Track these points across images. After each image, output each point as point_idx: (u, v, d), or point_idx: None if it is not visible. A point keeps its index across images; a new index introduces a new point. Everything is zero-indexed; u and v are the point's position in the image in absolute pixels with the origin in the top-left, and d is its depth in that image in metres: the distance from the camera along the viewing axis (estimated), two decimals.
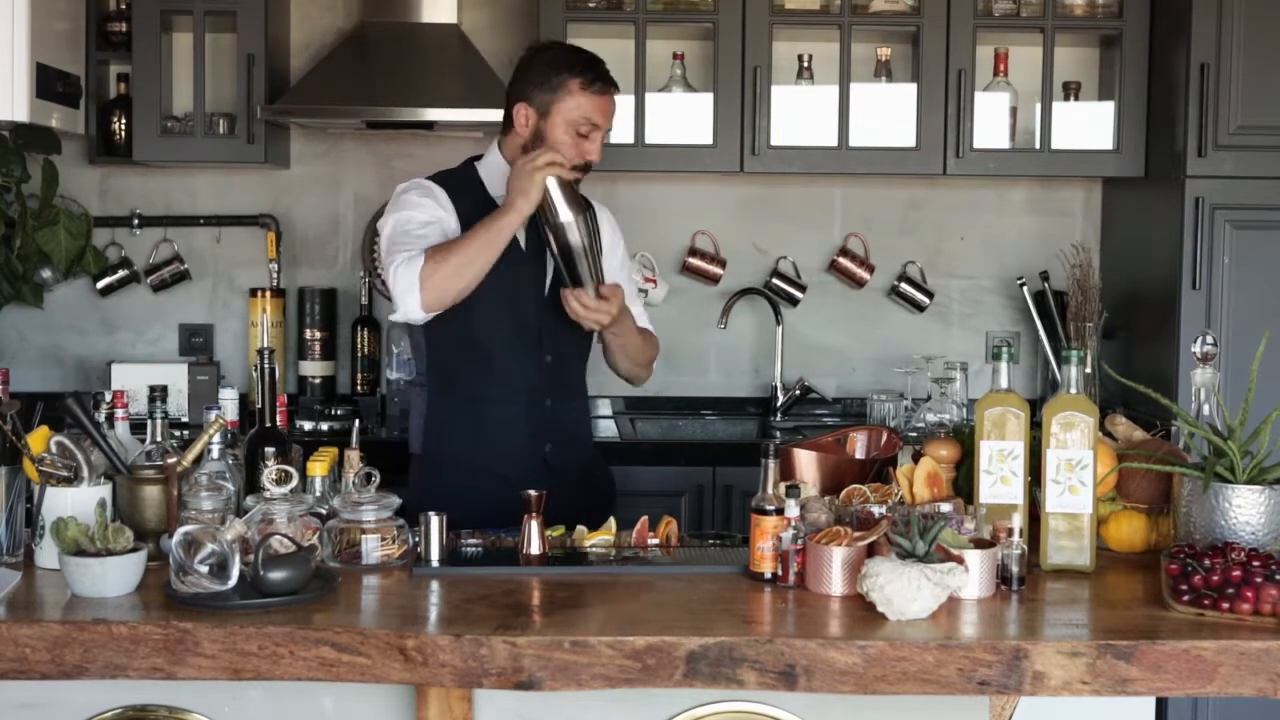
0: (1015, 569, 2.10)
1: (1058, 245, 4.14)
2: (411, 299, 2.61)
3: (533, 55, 2.86)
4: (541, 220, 2.67)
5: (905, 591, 1.94)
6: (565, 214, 2.64)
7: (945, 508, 2.21)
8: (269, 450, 2.36)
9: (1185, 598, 2.01)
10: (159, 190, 4.20)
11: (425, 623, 1.97)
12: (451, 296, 2.63)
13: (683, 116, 3.88)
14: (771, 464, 2.18)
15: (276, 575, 2.01)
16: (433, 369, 2.84)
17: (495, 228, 2.62)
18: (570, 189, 2.66)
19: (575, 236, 2.65)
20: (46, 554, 2.16)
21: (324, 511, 2.30)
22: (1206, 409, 2.36)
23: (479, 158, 2.89)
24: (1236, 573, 2.00)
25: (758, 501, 2.16)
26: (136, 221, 4.17)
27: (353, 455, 2.40)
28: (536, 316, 2.80)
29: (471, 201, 2.78)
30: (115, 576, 2.03)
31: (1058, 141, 3.88)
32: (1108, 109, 3.89)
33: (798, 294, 4.20)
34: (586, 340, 2.91)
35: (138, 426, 2.41)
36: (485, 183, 2.83)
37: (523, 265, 2.77)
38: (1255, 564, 2.02)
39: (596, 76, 2.77)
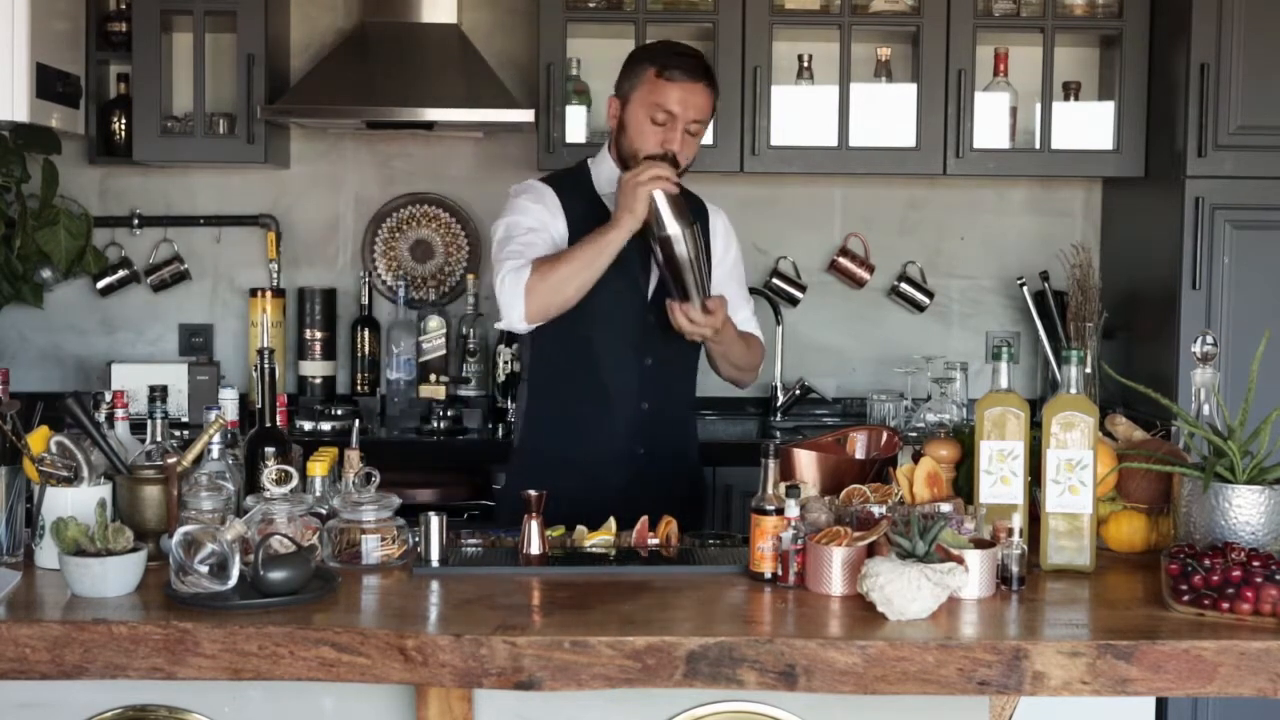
0: (1015, 569, 2.10)
1: (1058, 245, 4.14)
2: (516, 310, 2.66)
3: (632, 52, 2.92)
4: (648, 233, 2.67)
5: (905, 591, 1.94)
6: (672, 227, 2.65)
7: (945, 508, 2.21)
8: (269, 450, 2.36)
9: (1185, 598, 2.01)
10: (159, 190, 4.20)
11: (425, 623, 1.97)
12: (555, 309, 2.68)
13: None
14: (771, 464, 2.18)
15: (276, 575, 2.01)
16: (534, 365, 2.88)
17: (600, 243, 2.65)
18: (677, 201, 2.66)
19: (681, 249, 2.66)
20: (46, 554, 2.15)
21: (324, 511, 2.30)
22: (1206, 409, 2.36)
23: (593, 156, 2.92)
24: (1236, 573, 2.00)
25: (758, 501, 2.16)
26: (136, 221, 4.17)
27: (353, 455, 2.40)
28: (638, 319, 2.80)
29: (581, 201, 2.81)
30: (115, 576, 2.03)
31: (1058, 141, 3.88)
32: (1108, 109, 3.89)
33: (798, 294, 4.20)
34: (691, 346, 2.88)
35: (138, 426, 2.41)
36: (595, 182, 2.85)
37: (627, 268, 2.76)
38: (1255, 564, 2.02)
39: (671, 64, 2.76)
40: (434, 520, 2.25)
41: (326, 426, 3.89)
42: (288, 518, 2.19)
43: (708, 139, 3.84)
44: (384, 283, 4.22)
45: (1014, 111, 3.94)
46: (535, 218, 2.78)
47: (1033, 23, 3.87)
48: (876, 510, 2.24)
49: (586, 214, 2.78)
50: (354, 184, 4.24)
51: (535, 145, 3.89)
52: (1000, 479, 2.24)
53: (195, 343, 4.22)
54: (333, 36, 4.15)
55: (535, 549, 2.26)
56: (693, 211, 2.72)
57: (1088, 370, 3.71)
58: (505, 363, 4.03)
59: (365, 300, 4.18)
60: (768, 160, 3.85)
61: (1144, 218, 3.92)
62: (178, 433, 3.07)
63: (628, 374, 2.85)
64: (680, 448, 3.01)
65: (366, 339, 4.16)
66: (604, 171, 2.86)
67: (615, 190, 2.72)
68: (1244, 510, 2.14)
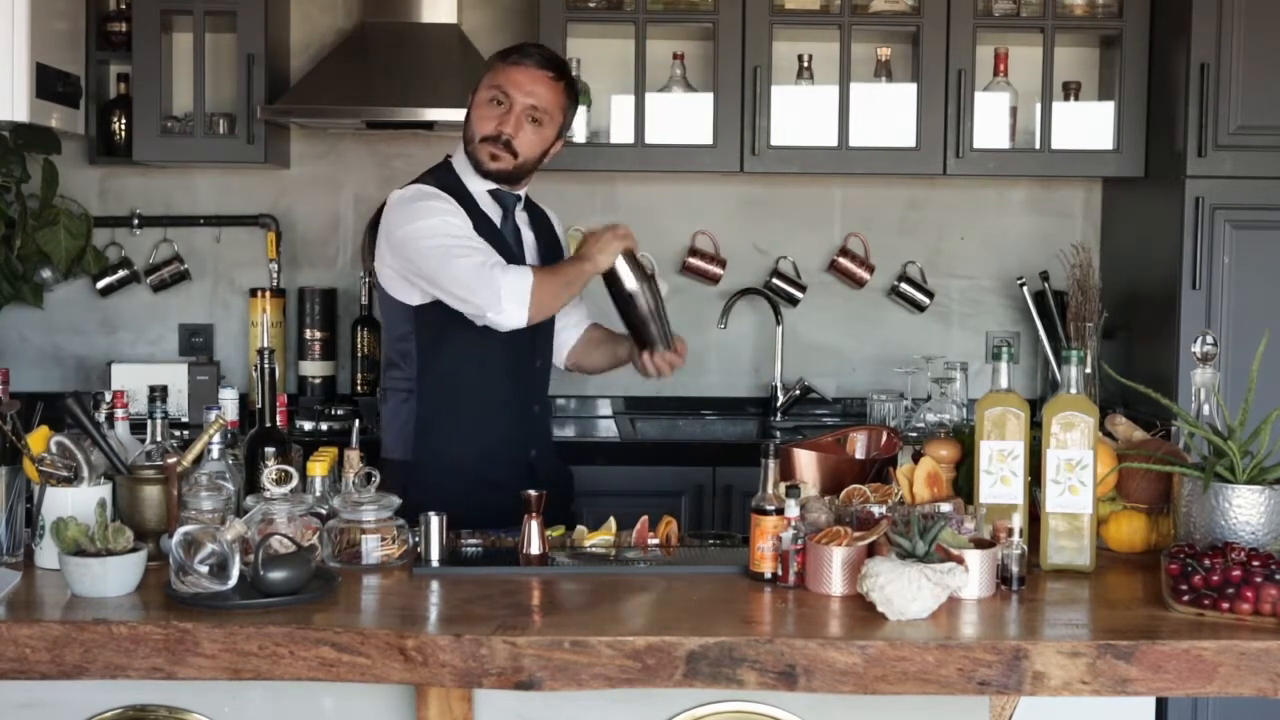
0: (1015, 569, 2.10)
1: (1058, 245, 4.14)
2: (520, 308, 2.68)
3: None
4: (609, 289, 2.85)
5: (905, 591, 1.94)
6: (632, 284, 2.83)
7: (945, 508, 2.21)
8: (269, 450, 2.36)
9: (1185, 598, 2.01)
10: (159, 190, 4.20)
11: (425, 623, 1.97)
12: (544, 317, 2.77)
13: (683, 116, 3.88)
14: (771, 464, 2.18)
15: (276, 575, 2.01)
16: (426, 376, 2.84)
17: (578, 269, 2.78)
18: (633, 259, 2.83)
19: (643, 304, 2.85)
20: (46, 554, 2.16)
21: (324, 511, 2.30)
22: (1206, 409, 2.36)
23: (452, 155, 2.93)
24: (1236, 573, 2.00)
25: (758, 501, 2.16)
26: (136, 221, 4.17)
27: (353, 455, 2.40)
28: (530, 324, 2.81)
29: (464, 206, 2.80)
30: (115, 576, 2.03)
31: (1058, 141, 3.88)
32: (1108, 109, 3.89)
33: (798, 294, 4.20)
34: (550, 345, 3.01)
35: (138, 426, 2.41)
36: (467, 183, 2.86)
37: None
38: (1255, 564, 2.02)
39: (518, 52, 2.84)
40: (434, 520, 2.25)
41: (326, 426, 3.89)
42: (288, 518, 2.19)
43: (707, 138, 3.86)
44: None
45: (1014, 111, 3.94)
46: (461, 217, 2.77)
47: (1033, 23, 3.87)
48: (876, 510, 2.24)
49: (474, 215, 2.79)
50: (354, 184, 4.24)
51: None
52: (1000, 479, 2.24)
53: (195, 343, 4.22)
54: (333, 36, 4.15)
55: (535, 549, 2.26)
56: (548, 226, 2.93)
57: (1088, 370, 3.70)
58: None
59: (365, 300, 4.18)
60: (768, 160, 3.85)
61: (1144, 218, 3.92)
62: (178, 433, 3.07)
63: (522, 377, 2.90)
64: (552, 443, 3.09)
65: (366, 339, 4.16)
66: (469, 170, 2.87)
67: (485, 189, 2.84)
68: (1244, 510, 2.14)
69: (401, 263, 2.77)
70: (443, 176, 2.86)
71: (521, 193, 2.93)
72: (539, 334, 2.89)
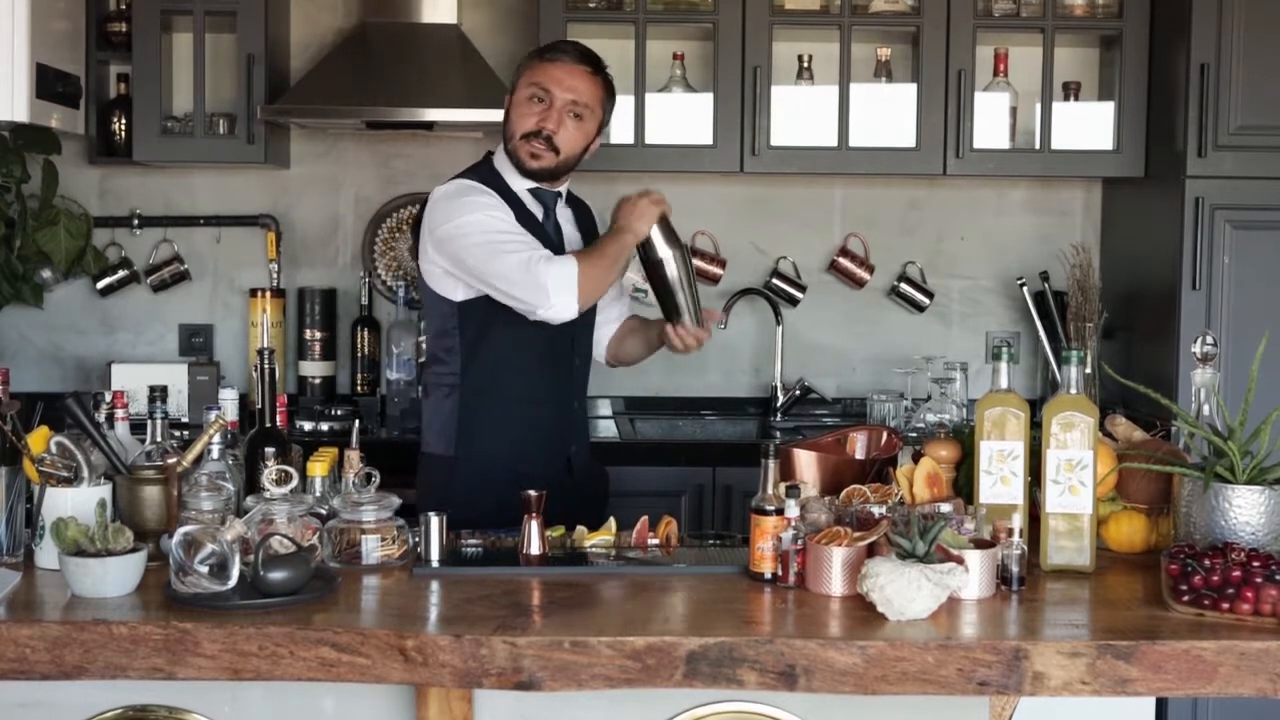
0: (1015, 569, 2.10)
1: (1058, 245, 4.14)
2: (570, 299, 2.68)
3: None
4: (639, 254, 2.80)
5: (905, 591, 1.94)
6: (663, 251, 2.79)
7: (945, 508, 2.21)
8: (269, 450, 2.36)
9: (1185, 598, 2.01)
10: (159, 190, 4.20)
11: (425, 623, 1.97)
12: (597, 299, 2.78)
13: (683, 117, 3.88)
14: (771, 464, 2.18)
15: (276, 575, 2.01)
16: (468, 371, 2.84)
17: (620, 244, 2.76)
18: (666, 225, 2.79)
19: (672, 271, 2.79)
20: (46, 554, 2.15)
21: (324, 511, 2.30)
22: (1206, 409, 2.36)
23: (493, 152, 2.93)
24: (1236, 573, 2.00)
25: (758, 501, 2.16)
26: (136, 222, 4.17)
27: (353, 455, 2.40)
28: (570, 322, 2.79)
29: (506, 200, 2.80)
30: (115, 576, 2.03)
31: (1058, 141, 3.88)
32: (1108, 109, 3.89)
33: (798, 294, 4.20)
34: (590, 343, 3.00)
35: (138, 426, 2.41)
36: (509, 180, 2.85)
37: None
38: (1255, 564, 2.02)
39: (555, 49, 2.85)
40: (434, 520, 2.25)
41: (326, 426, 3.89)
42: (288, 518, 2.19)
43: (707, 138, 3.86)
44: (384, 283, 4.22)
45: (1014, 111, 3.94)
46: (504, 211, 2.77)
47: (1033, 23, 3.87)
48: (876, 510, 2.24)
49: (517, 212, 2.79)
50: (354, 184, 4.24)
51: None
52: (1000, 479, 2.24)
53: (195, 343, 4.22)
54: (333, 36, 4.15)
55: (535, 549, 2.26)
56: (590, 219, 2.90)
57: (1088, 370, 3.71)
58: None
59: (365, 300, 4.18)
60: (768, 160, 3.85)
61: (1144, 218, 3.92)
62: (178, 433, 3.07)
63: (562, 375, 2.90)
64: (589, 444, 3.08)
65: (366, 339, 4.16)
66: (509, 169, 2.86)
67: (528, 188, 2.83)
68: (1244, 510, 2.14)
69: (446, 258, 2.77)
70: (484, 174, 2.86)
71: (562, 189, 2.92)
72: (579, 332, 2.89)
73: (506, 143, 2.84)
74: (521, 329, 2.76)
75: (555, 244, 2.84)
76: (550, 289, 2.66)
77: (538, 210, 2.86)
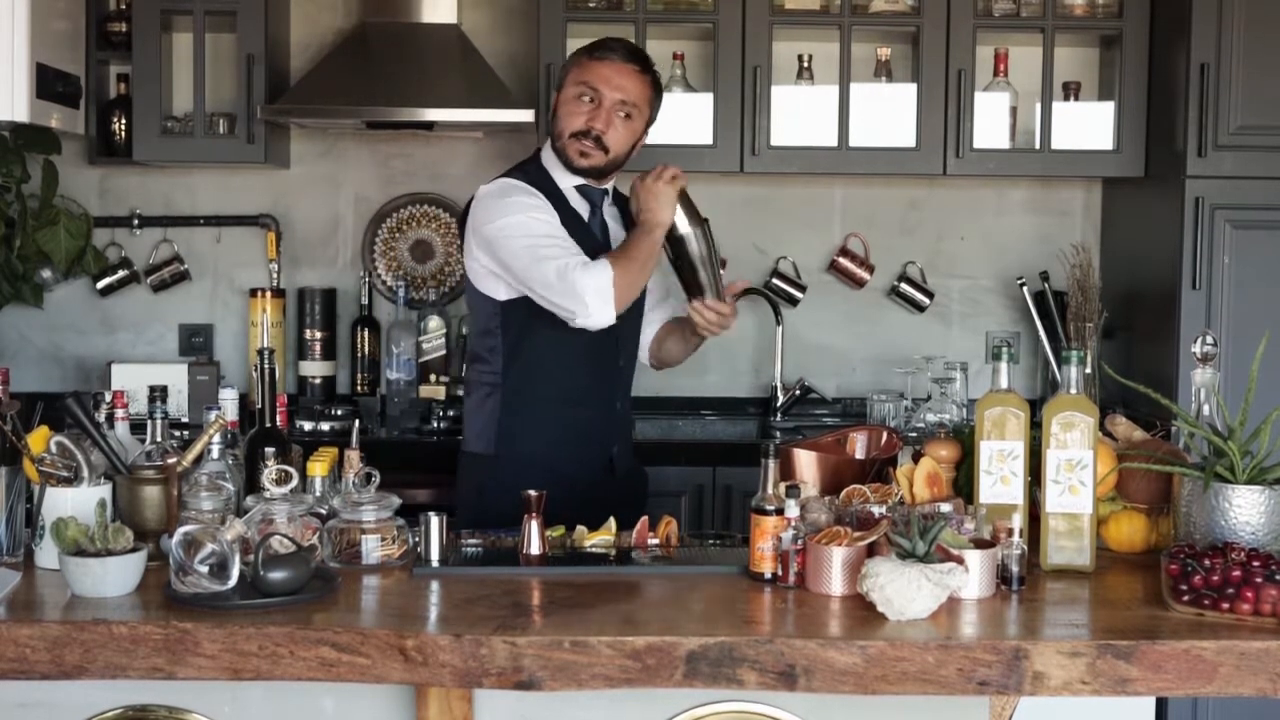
0: (1015, 569, 2.10)
1: (1058, 245, 4.14)
2: (607, 307, 2.67)
3: None
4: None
5: (905, 591, 1.94)
6: (685, 227, 2.76)
7: (945, 508, 2.21)
8: (269, 450, 2.36)
9: (1185, 598, 2.01)
10: (159, 190, 4.20)
11: (425, 623, 1.97)
12: (634, 299, 2.74)
13: (683, 116, 3.88)
14: (771, 464, 2.18)
15: (276, 575, 2.01)
16: (510, 370, 2.84)
17: (650, 241, 2.73)
18: (687, 201, 2.76)
19: (694, 247, 2.77)
20: (46, 554, 2.15)
21: (324, 511, 2.30)
22: (1206, 409, 2.36)
23: (541, 149, 2.93)
24: (1236, 573, 2.00)
25: (758, 501, 2.16)
26: (136, 221, 4.17)
27: (353, 455, 2.40)
28: (614, 323, 2.78)
29: (552, 200, 2.80)
30: (115, 576, 2.03)
31: (1058, 141, 3.88)
32: (1108, 109, 3.89)
33: (798, 294, 4.20)
34: (636, 345, 3.00)
35: (138, 426, 2.41)
36: (556, 179, 2.85)
37: None
38: (1255, 564, 2.02)
39: (603, 46, 2.83)
40: (434, 520, 2.25)
41: (326, 426, 3.88)
42: (288, 518, 2.19)
43: (707, 138, 3.85)
44: (384, 283, 4.22)
45: (1014, 111, 3.94)
46: (548, 213, 2.77)
47: (1033, 23, 3.87)
48: (876, 510, 2.24)
49: (562, 210, 2.79)
50: (354, 184, 4.24)
51: (535, 145, 3.88)
52: (1000, 479, 2.24)
53: (195, 343, 4.22)
54: (333, 36, 4.15)
55: (535, 549, 2.26)
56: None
57: (1088, 370, 3.70)
58: None
59: (365, 300, 4.18)
60: (768, 160, 3.85)
61: (1144, 218, 3.92)
62: (178, 433, 3.07)
63: (606, 376, 2.89)
64: (632, 445, 3.08)
65: (366, 339, 4.16)
66: (557, 166, 2.86)
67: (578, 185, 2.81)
68: (1244, 510, 2.14)
69: (490, 258, 2.78)
70: (531, 171, 2.86)
71: (609, 186, 2.92)
72: (623, 333, 2.87)
73: (554, 141, 2.84)
74: (564, 330, 2.74)
75: (601, 242, 2.83)
76: (587, 298, 2.65)
77: (584, 208, 2.86)
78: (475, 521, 2.52)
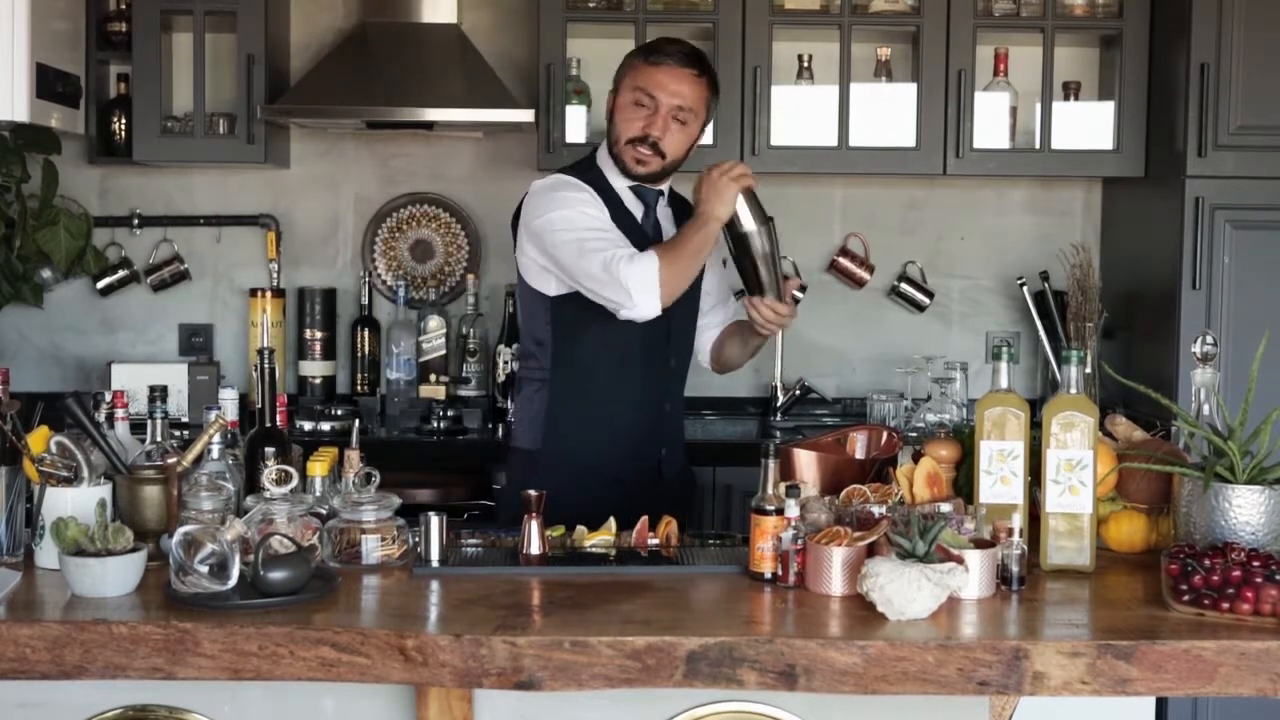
0: (1015, 569, 2.10)
1: (1058, 245, 4.14)
2: (652, 298, 2.64)
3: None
4: (724, 229, 2.74)
5: (905, 591, 1.94)
6: (749, 224, 2.73)
7: (945, 508, 2.21)
8: (269, 450, 2.36)
9: (1185, 598, 2.01)
10: (159, 190, 4.20)
11: (425, 623, 1.97)
12: (681, 292, 2.70)
13: None
14: (771, 464, 2.18)
15: (276, 575, 2.01)
16: (560, 367, 2.84)
17: (705, 234, 2.70)
18: (753, 198, 2.74)
19: (758, 245, 2.74)
20: (46, 554, 2.15)
21: (324, 511, 2.30)
22: (1206, 409, 2.36)
23: (597, 148, 2.93)
24: (1236, 573, 2.00)
25: (758, 501, 2.16)
26: (136, 221, 4.17)
27: (353, 455, 2.40)
28: (666, 321, 2.78)
29: (604, 197, 2.80)
30: (115, 576, 2.03)
31: (1058, 141, 3.88)
32: (1108, 109, 3.89)
33: (798, 294, 4.19)
34: (690, 345, 2.98)
35: (138, 426, 2.41)
36: (610, 178, 2.85)
37: None
38: (1255, 564, 2.02)
39: (660, 50, 2.81)
40: (434, 520, 2.25)
41: (326, 426, 3.89)
42: (288, 518, 2.19)
43: (707, 138, 3.84)
44: (384, 283, 4.22)
45: (1014, 111, 3.94)
46: (598, 208, 2.76)
47: (1033, 23, 3.87)
48: (876, 510, 2.24)
49: (616, 210, 2.79)
50: (354, 184, 4.24)
51: (535, 145, 3.89)
52: (1000, 479, 2.24)
53: (195, 343, 4.22)
54: (333, 36, 4.15)
55: (535, 549, 2.26)
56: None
57: (1088, 370, 3.71)
58: (505, 363, 4.03)
59: (365, 300, 4.18)
60: (768, 160, 3.85)
61: (1144, 218, 3.92)
62: (178, 433, 3.07)
63: (656, 376, 2.88)
64: (683, 447, 3.04)
65: (366, 339, 4.16)
66: (608, 162, 2.86)
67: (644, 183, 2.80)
68: (1244, 510, 2.14)
69: (539, 252, 2.77)
70: (586, 171, 2.86)
71: (664, 187, 2.91)
72: (675, 332, 2.87)
73: (611, 146, 2.83)
74: (614, 326, 2.73)
75: (654, 242, 2.80)
76: (632, 289, 2.63)
77: (638, 209, 2.85)
78: (518, 519, 2.50)
